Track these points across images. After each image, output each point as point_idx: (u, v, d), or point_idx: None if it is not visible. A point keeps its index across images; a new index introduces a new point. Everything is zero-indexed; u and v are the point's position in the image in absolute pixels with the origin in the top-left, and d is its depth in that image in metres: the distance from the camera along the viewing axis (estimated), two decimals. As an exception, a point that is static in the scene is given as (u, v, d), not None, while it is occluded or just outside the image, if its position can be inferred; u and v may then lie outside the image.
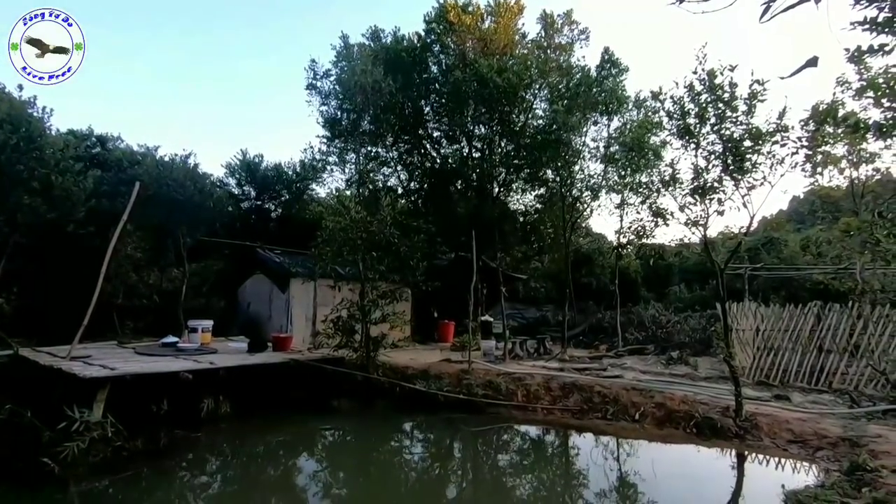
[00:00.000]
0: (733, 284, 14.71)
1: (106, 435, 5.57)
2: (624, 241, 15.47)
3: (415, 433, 8.36)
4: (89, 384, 6.40)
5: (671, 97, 6.69)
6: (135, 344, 10.28)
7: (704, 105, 6.40)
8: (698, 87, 6.39)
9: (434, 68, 16.50)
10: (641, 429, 7.22)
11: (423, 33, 16.58)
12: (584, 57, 18.09)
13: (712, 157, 6.76)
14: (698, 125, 6.73)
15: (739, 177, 6.59)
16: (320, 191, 20.57)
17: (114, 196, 14.21)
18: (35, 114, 9.83)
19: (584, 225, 21.20)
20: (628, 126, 13.38)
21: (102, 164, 16.44)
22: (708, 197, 6.92)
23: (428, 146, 18.43)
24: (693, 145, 6.82)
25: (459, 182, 18.00)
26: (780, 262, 19.18)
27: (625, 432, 7.28)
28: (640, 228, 11.70)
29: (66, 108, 39.16)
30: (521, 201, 19.07)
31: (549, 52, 16.55)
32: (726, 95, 6.17)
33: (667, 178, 7.13)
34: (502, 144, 16.73)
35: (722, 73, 6.15)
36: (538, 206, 18.57)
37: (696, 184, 6.54)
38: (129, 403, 6.80)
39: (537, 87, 14.64)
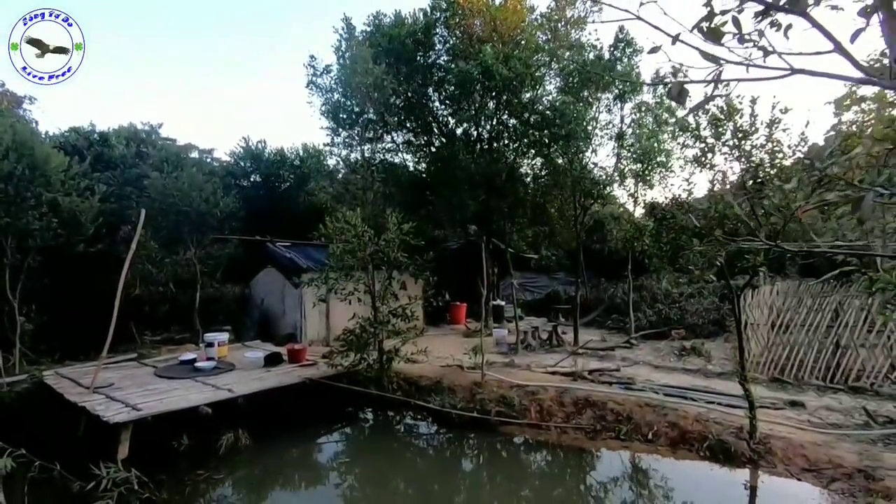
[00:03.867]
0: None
1: (132, 487, 5.74)
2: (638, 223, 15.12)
3: (432, 451, 8.55)
4: (113, 428, 6.62)
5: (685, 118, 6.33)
6: (154, 359, 10.52)
7: (722, 131, 6.05)
8: (717, 113, 6.02)
9: (440, 48, 15.77)
10: (655, 450, 7.30)
11: (428, 9, 15.75)
12: (596, 30, 17.14)
13: (728, 179, 6.46)
14: (714, 146, 6.39)
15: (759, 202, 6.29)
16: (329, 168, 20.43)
17: (120, 198, 14.23)
18: (39, 137, 9.71)
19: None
20: (642, 108, 12.82)
21: (107, 162, 16.32)
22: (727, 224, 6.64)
23: (434, 128, 17.94)
24: (709, 167, 6.50)
25: (469, 160, 17.60)
26: (797, 227, 18.71)
27: (639, 452, 7.37)
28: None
29: (66, 103, 38.54)
30: (529, 171, 18.54)
31: (559, 25, 15.72)
32: (746, 125, 5.82)
33: (682, 199, 6.84)
34: (512, 123, 16.22)
35: (740, 103, 5.77)
36: (546, 181, 18.10)
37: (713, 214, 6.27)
38: (150, 440, 7.05)
39: (545, 69, 13.97)
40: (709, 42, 1.62)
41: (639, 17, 1.69)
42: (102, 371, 8.56)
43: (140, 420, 6.89)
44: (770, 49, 1.68)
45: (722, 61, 1.86)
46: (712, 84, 1.99)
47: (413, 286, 10.74)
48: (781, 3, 1.51)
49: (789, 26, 1.56)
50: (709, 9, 1.79)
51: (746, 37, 1.58)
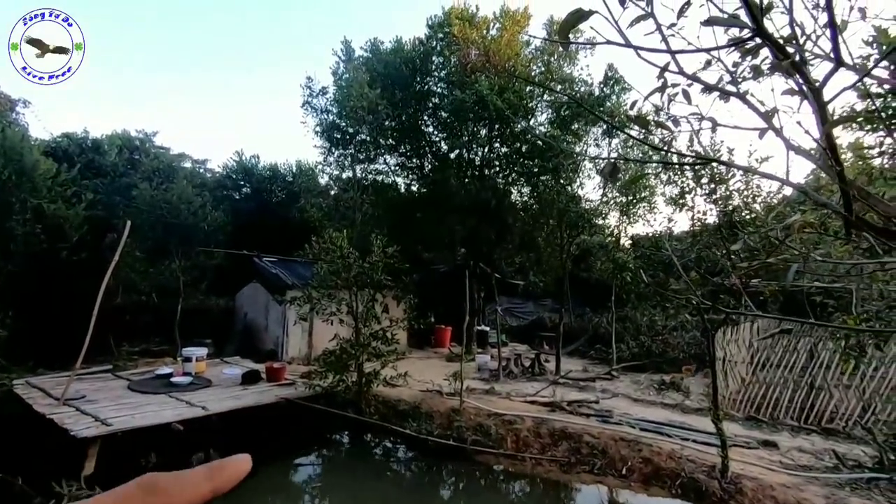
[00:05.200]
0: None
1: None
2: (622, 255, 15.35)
3: (408, 477, 8.48)
4: (81, 442, 6.51)
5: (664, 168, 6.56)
6: (130, 372, 10.37)
7: (702, 174, 6.26)
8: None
9: (435, 75, 16.11)
10: (628, 485, 7.31)
11: (425, 38, 16.13)
12: (588, 66, 17.60)
13: (706, 220, 6.65)
14: (693, 188, 6.60)
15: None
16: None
17: (108, 206, 14.20)
18: (29, 142, 9.73)
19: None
20: (629, 143, 13.15)
21: (98, 169, 16.33)
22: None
23: (427, 152, 18.17)
24: (688, 208, 6.70)
25: (460, 185, 17.78)
26: (776, 265, 18.99)
27: (612, 487, 7.38)
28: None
29: (64, 106, 38.56)
30: (519, 199, 18.76)
31: (552, 58, 16.16)
32: (722, 171, 6.05)
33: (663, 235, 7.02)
34: (503, 151, 16.52)
35: (718, 150, 6.01)
36: (534, 210, 18.34)
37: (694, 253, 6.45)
38: (118, 456, 6.92)
39: (537, 101, 14.35)
40: (640, 127, 1.75)
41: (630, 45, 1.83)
42: (75, 382, 8.42)
43: (109, 435, 6.79)
44: (715, 122, 1.82)
45: (677, 130, 1.99)
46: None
47: (395, 309, 10.76)
48: (721, 86, 1.65)
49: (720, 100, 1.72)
50: (662, 80, 1.92)
51: (688, 115, 1.71)
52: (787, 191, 7.18)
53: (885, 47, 1.85)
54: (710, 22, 1.10)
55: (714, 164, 6.13)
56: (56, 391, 8.26)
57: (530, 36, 14.82)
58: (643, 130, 2.03)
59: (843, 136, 3.27)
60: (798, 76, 1.13)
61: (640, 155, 8.44)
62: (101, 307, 8.06)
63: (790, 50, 1.47)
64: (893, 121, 2.19)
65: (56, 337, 11.11)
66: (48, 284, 11.33)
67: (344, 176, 17.64)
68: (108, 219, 13.45)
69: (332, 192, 21.47)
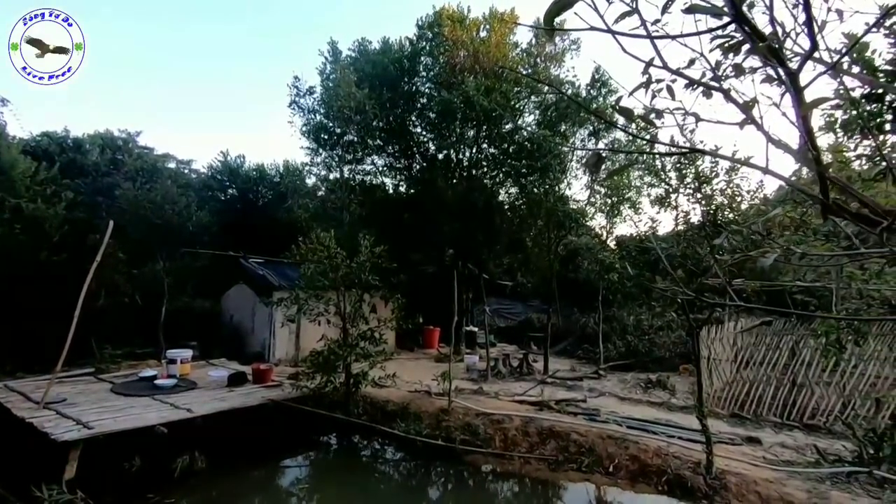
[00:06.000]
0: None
1: (77, 511, 5.52)
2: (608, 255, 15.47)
3: (397, 479, 8.43)
4: (62, 447, 6.38)
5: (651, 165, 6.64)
6: (113, 375, 10.19)
7: (686, 174, 6.35)
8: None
9: (423, 76, 16.13)
10: (615, 482, 7.36)
11: (414, 38, 16.13)
12: (573, 68, 17.71)
13: (690, 219, 6.75)
14: (678, 188, 6.68)
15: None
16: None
17: (90, 207, 13.95)
18: (7, 140, 9.52)
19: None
20: (615, 145, 13.28)
21: (79, 169, 16.04)
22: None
23: (415, 152, 18.17)
24: (671, 208, 6.78)
25: (448, 186, 17.79)
26: (757, 258, 19.29)
27: (599, 485, 7.43)
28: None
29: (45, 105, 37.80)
30: (507, 200, 18.83)
31: (539, 60, 16.26)
32: (706, 170, 6.14)
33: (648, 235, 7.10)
34: (491, 152, 16.56)
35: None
36: (522, 211, 18.40)
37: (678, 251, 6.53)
38: (100, 460, 6.80)
39: (524, 102, 14.44)
40: (625, 119, 1.77)
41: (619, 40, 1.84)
42: (56, 385, 8.26)
43: (91, 438, 6.66)
44: (698, 117, 1.85)
45: (660, 123, 2.02)
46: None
47: (384, 309, 10.74)
48: (704, 80, 1.68)
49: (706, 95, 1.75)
50: (646, 76, 1.94)
51: (671, 108, 1.74)
52: (768, 191, 7.32)
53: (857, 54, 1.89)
54: (690, 10, 1.12)
55: (699, 162, 6.24)
56: (36, 395, 8.09)
57: (516, 23, 14.87)
58: (629, 124, 2.05)
59: (824, 139, 3.33)
60: (775, 61, 1.16)
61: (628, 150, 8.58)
62: (83, 309, 7.92)
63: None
64: (871, 124, 2.25)
65: (36, 340, 10.90)
66: (28, 286, 11.10)
67: (331, 176, 17.57)
68: (90, 219, 13.21)
69: (320, 193, 21.34)
